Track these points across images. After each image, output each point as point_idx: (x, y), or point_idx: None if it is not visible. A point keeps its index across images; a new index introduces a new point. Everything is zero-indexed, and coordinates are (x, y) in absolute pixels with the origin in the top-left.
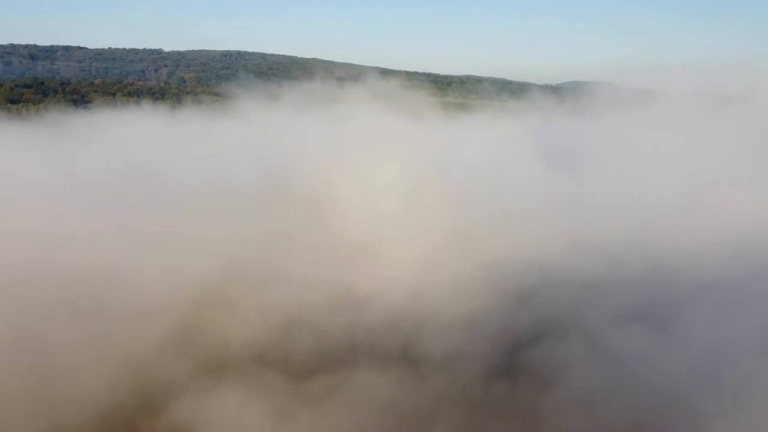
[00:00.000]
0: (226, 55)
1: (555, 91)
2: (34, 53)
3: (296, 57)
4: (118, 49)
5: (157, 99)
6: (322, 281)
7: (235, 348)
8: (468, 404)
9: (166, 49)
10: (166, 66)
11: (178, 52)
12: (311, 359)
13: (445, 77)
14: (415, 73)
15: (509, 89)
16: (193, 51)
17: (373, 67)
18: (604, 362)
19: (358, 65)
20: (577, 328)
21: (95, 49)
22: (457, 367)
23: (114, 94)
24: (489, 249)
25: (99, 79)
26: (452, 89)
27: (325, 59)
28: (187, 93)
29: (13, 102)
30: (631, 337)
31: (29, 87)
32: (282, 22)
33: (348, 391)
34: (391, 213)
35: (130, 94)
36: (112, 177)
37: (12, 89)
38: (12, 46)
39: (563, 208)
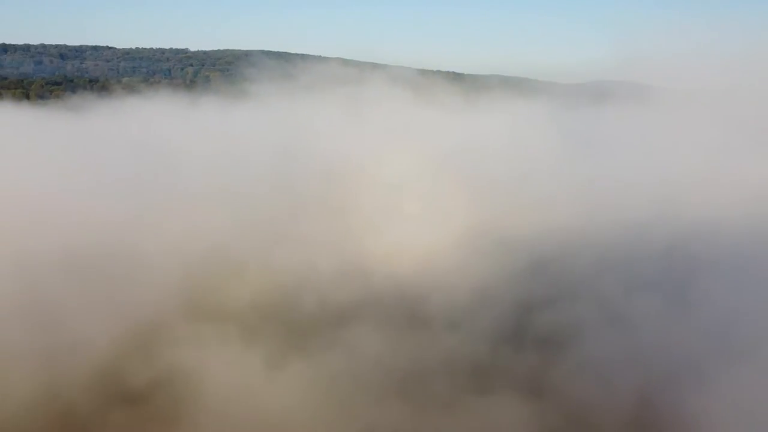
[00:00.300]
0: (251, 54)
1: (579, 88)
2: (64, 53)
3: (321, 56)
4: (145, 48)
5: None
6: (336, 248)
7: (242, 303)
8: (474, 366)
9: (192, 48)
10: (191, 65)
11: (204, 52)
12: (315, 316)
13: (470, 76)
14: (439, 72)
15: (535, 87)
16: (218, 50)
17: (398, 66)
18: (617, 329)
19: (382, 64)
20: (590, 296)
21: (123, 48)
22: (465, 330)
23: (141, 92)
24: (507, 222)
25: (126, 77)
26: (477, 86)
27: (349, 58)
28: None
29: (42, 98)
30: (644, 306)
31: (59, 84)
32: (307, 22)
33: (349, 346)
34: (407, 188)
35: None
36: (133, 151)
37: (42, 86)
38: (43, 45)
39: (582, 187)
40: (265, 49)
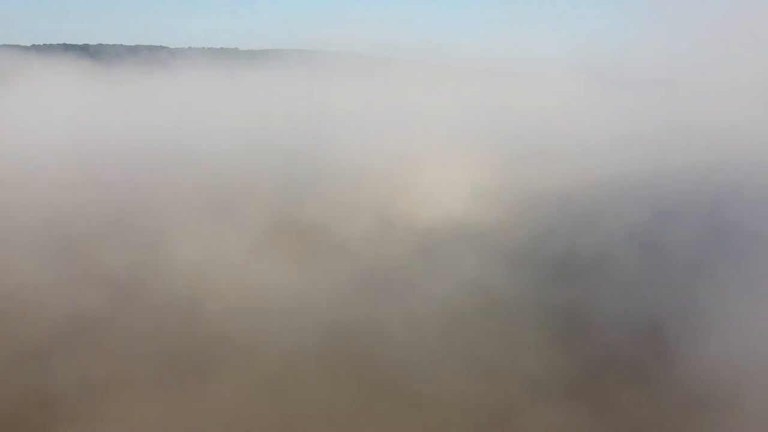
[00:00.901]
0: (299, 52)
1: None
2: (120, 52)
3: (365, 55)
4: (196, 48)
5: None
6: (357, 188)
7: (256, 221)
8: (484, 282)
9: (242, 48)
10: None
11: (253, 51)
12: (323, 226)
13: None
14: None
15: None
16: (267, 50)
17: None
18: (642, 255)
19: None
20: (617, 227)
21: (176, 48)
22: (481, 256)
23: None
24: (540, 173)
25: None
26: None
27: (390, 56)
28: None
29: None
30: (670, 231)
31: None
32: (349, 21)
33: (354, 255)
34: (436, 148)
35: None
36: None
37: None
38: (100, 45)
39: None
40: (314, 48)
